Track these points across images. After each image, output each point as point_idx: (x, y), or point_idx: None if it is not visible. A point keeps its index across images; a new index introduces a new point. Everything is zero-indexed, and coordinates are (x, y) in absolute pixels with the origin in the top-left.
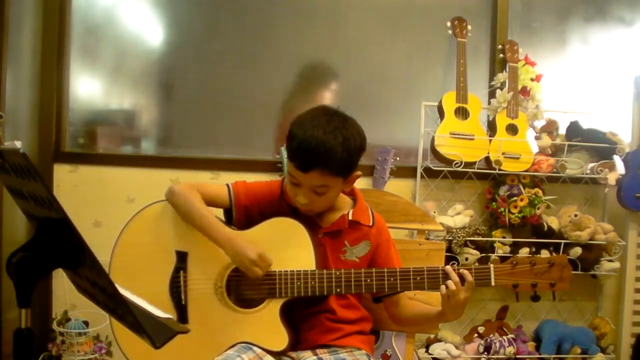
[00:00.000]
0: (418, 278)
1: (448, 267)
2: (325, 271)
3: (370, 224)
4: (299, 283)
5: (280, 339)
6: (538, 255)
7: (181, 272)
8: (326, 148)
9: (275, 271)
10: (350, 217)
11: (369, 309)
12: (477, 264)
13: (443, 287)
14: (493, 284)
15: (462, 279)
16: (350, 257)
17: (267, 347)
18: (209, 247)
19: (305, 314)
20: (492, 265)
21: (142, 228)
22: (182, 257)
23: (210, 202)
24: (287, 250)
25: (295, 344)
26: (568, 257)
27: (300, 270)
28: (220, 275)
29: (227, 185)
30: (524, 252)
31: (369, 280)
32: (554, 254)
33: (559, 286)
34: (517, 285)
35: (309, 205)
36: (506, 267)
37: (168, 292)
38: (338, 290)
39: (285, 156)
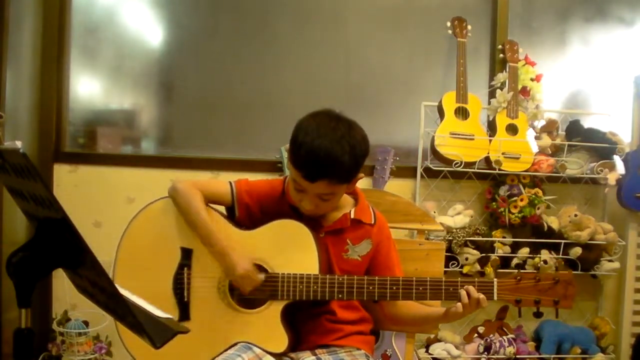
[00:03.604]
0: (421, 288)
1: (471, 288)
2: (328, 276)
3: (372, 222)
4: (301, 287)
5: (280, 341)
6: (544, 270)
7: (185, 269)
8: (335, 159)
9: (278, 273)
10: (352, 216)
11: (369, 310)
12: (477, 264)
13: (462, 296)
14: (495, 298)
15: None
16: (352, 255)
17: (267, 348)
18: None
19: (305, 315)
20: (495, 280)
21: (149, 223)
22: (186, 254)
23: (213, 200)
24: (291, 253)
25: (296, 346)
26: (568, 257)
27: (303, 274)
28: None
29: (230, 183)
30: (524, 252)
31: (371, 287)
32: (554, 254)
33: (563, 303)
34: (519, 301)
35: (314, 211)
36: (510, 282)
37: (171, 288)
38: (340, 296)
39: (285, 157)
